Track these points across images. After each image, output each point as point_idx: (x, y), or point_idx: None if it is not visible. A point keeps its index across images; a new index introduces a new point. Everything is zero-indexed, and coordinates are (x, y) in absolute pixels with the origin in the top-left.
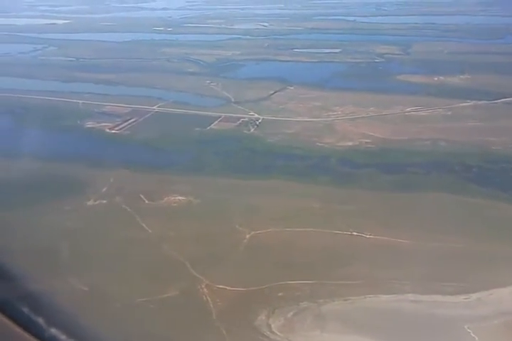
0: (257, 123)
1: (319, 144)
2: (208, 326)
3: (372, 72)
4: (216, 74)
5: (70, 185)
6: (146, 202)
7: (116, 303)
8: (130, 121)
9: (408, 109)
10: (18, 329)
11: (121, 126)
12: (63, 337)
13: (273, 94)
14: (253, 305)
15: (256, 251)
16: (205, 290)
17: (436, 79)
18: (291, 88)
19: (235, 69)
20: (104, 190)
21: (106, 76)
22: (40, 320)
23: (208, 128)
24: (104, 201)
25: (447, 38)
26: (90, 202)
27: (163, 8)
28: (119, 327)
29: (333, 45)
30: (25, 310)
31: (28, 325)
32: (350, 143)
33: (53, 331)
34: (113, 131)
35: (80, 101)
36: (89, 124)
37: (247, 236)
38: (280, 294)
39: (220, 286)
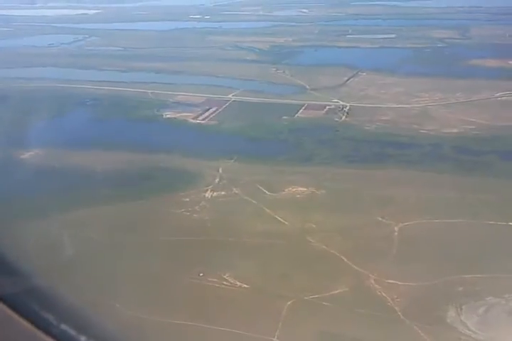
0: (346, 110)
1: (423, 131)
2: (398, 324)
3: (441, 57)
4: (277, 61)
5: (178, 177)
6: (268, 193)
7: (287, 301)
8: (211, 111)
9: (497, 94)
10: None
11: (204, 116)
12: None
13: (348, 80)
14: (435, 301)
15: (412, 243)
16: (376, 285)
17: (511, 62)
18: (364, 74)
19: (295, 55)
20: (217, 181)
21: (163, 65)
22: None
23: (296, 116)
24: (223, 192)
25: (502, 21)
26: (208, 194)
27: None
28: (305, 327)
29: (385, 30)
30: None
31: None
32: (455, 130)
33: None
34: (198, 121)
35: (149, 91)
36: (168, 114)
37: (396, 228)
38: (460, 289)
39: (390, 281)
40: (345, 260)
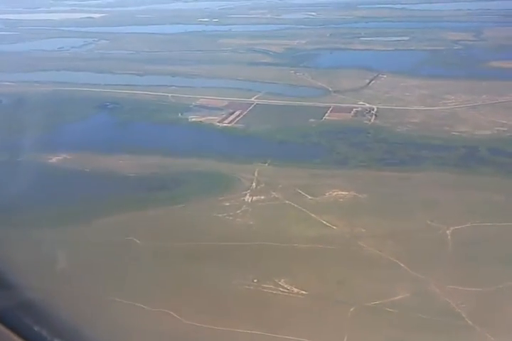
0: (373, 112)
1: (455, 133)
2: (468, 331)
3: (459, 59)
4: (294, 64)
5: (214, 181)
6: (309, 197)
7: (349, 307)
8: (236, 114)
9: None
10: None
11: (229, 119)
12: None
13: (370, 82)
14: (503, 307)
15: (467, 247)
16: (437, 290)
17: None
18: (384, 76)
19: (311, 58)
20: (254, 185)
21: (178, 68)
22: None
23: (323, 118)
24: (262, 197)
25: None
26: (247, 198)
27: (196, 0)
28: (374, 334)
29: (398, 32)
30: None
31: None
32: (488, 132)
33: None
34: (224, 125)
35: (169, 95)
36: (193, 118)
37: (448, 232)
38: None
39: (451, 286)
40: (402, 265)
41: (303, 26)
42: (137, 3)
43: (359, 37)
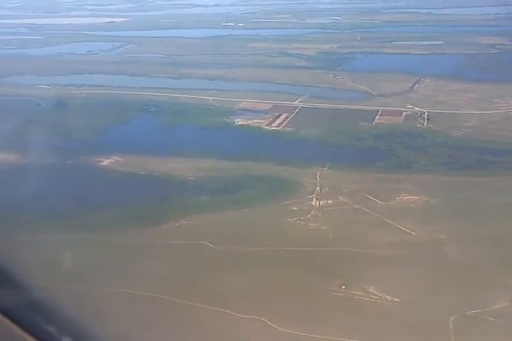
0: (424, 116)
1: None
2: None
3: (499, 63)
4: (331, 67)
5: (275, 185)
6: (379, 202)
7: (449, 316)
8: (282, 117)
9: None
10: None
11: (277, 123)
12: None
13: (413, 86)
14: None
15: None
16: None
17: None
18: (427, 80)
19: (347, 62)
20: (318, 189)
21: (213, 72)
22: None
23: (374, 122)
24: (330, 201)
25: None
26: (314, 202)
27: (216, 5)
28: None
29: (429, 37)
30: None
31: None
32: None
33: None
34: (273, 128)
35: (210, 98)
36: (239, 121)
37: None
38: None
39: None
40: (494, 272)
41: (330, 30)
42: (157, 8)
43: (391, 41)
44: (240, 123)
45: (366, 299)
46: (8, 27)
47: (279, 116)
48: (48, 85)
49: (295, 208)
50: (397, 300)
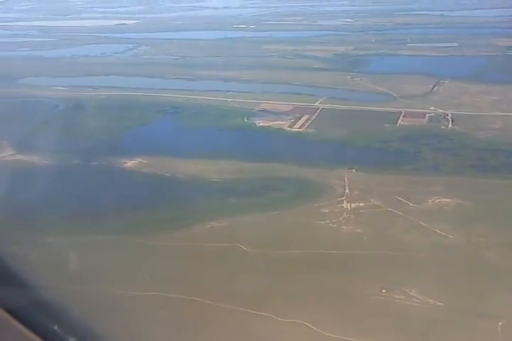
0: (449, 118)
1: None
2: None
3: None
4: (348, 69)
5: (304, 187)
6: (411, 204)
7: (497, 321)
8: (304, 119)
9: None
10: None
11: (299, 124)
12: None
13: (433, 88)
14: None
15: None
16: None
17: None
18: (446, 82)
19: (363, 64)
20: (347, 191)
21: (230, 73)
22: None
23: (398, 124)
24: (361, 204)
25: None
26: (345, 205)
27: (225, 7)
28: None
29: (444, 39)
30: None
31: None
32: None
33: None
34: (295, 130)
35: (229, 99)
36: (261, 122)
37: None
38: None
39: None
40: None
41: (343, 32)
42: (167, 10)
43: (405, 43)
44: (261, 124)
45: (409, 303)
46: (20, 29)
47: (300, 118)
48: (65, 87)
49: (326, 211)
50: (441, 304)
